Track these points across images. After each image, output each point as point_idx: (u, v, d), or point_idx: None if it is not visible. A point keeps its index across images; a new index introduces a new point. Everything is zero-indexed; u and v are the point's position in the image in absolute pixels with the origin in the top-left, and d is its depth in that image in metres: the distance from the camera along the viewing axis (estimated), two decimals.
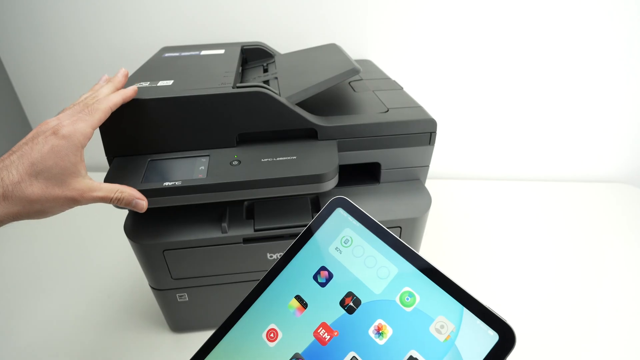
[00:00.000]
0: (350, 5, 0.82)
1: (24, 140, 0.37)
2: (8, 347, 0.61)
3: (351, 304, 0.31)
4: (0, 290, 0.71)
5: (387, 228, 0.33)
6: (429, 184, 0.59)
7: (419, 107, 0.56)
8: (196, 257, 0.52)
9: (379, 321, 0.30)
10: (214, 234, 0.50)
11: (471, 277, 0.73)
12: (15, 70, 0.94)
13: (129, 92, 0.45)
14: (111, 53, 0.89)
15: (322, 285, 0.33)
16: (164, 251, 0.50)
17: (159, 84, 0.51)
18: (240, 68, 0.64)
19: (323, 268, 0.33)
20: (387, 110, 0.55)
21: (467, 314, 0.28)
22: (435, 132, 0.53)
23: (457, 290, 0.29)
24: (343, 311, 0.31)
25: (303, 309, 0.32)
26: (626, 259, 0.77)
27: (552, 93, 0.91)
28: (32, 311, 0.67)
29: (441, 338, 0.28)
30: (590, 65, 0.87)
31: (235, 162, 0.48)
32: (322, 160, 0.49)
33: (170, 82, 0.52)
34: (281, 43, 0.84)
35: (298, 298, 0.33)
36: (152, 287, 0.56)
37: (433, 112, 0.54)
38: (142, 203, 0.42)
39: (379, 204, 0.54)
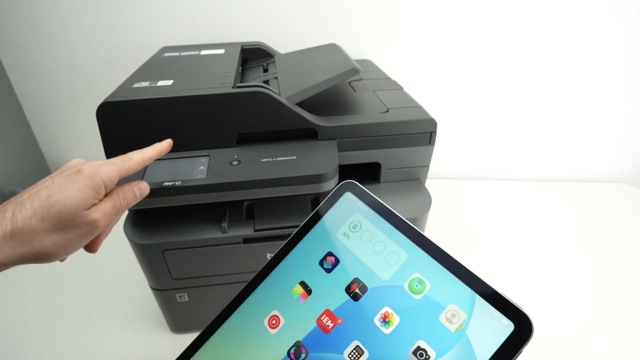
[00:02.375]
0: (350, 5, 0.82)
1: (48, 176, 0.35)
2: (8, 347, 0.61)
3: (357, 290, 0.30)
4: (0, 290, 0.71)
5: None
6: (429, 184, 0.59)
7: (419, 107, 0.56)
8: (196, 257, 0.52)
9: (385, 309, 0.29)
10: (214, 234, 0.50)
11: None
12: (15, 70, 0.94)
13: (165, 145, 0.42)
14: (111, 53, 0.89)
15: (328, 271, 0.31)
16: (163, 251, 0.50)
17: (158, 84, 0.51)
18: (240, 68, 0.64)
19: (330, 254, 0.32)
20: (387, 110, 0.55)
21: (480, 302, 0.27)
22: (435, 132, 0.53)
23: (470, 276, 0.28)
24: (348, 297, 0.30)
25: (307, 295, 0.31)
26: (626, 259, 0.77)
27: (552, 93, 0.91)
28: (32, 311, 0.67)
29: (452, 328, 0.26)
30: (590, 66, 0.87)
31: (235, 162, 0.48)
32: (322, 160, 0.49)
33: (170, 82, 0.52)
34: (281, 43, 0.84)
35: (302, 284, 0.31)
36: (152, 287, 0.56)
37: (433, 112, 0.54)
38: (142, 185, 0.40)
39: None
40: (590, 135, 0.97)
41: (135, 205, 0.47)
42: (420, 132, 0.53)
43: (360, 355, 0.28)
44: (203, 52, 0.68)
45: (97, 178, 0.34)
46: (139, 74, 0.56)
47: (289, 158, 0.49)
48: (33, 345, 0.61)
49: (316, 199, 0.55)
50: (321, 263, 0.32)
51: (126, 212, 0.53)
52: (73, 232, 0.33)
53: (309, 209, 0.53)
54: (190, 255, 0.51)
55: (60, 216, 0.32)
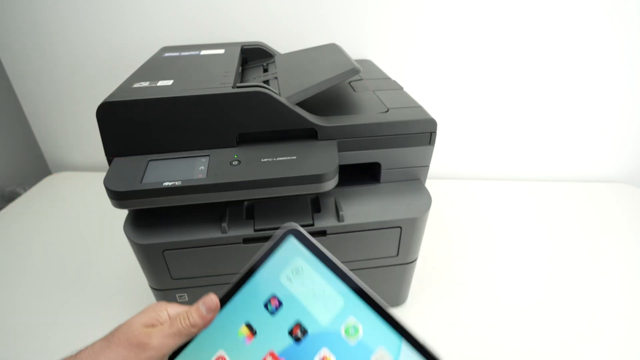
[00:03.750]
0: (350, 5, 0.82)
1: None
2: (7, 347, 0.61)
3: (299, 333, 0.32)
4: (0, 290, 0.71)
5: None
6: (429, 184, 0.59)
7: (419, 107, 0.56)
8: (196, 257, 0.52)
9: (324, 351, 0.31)
10: (214, 234, 0.50)
11: (471, 277, 0.73)
12: (15, 70, 0.94)
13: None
14: (111, 53, 0.89)
15: (272, 313, 0.33)
16: (164, 251, 0.50)
17: (158, 84, 0.51)
18: (240, 68, 0.64)
19: (274, 296, 0.33)
20: (387, 110, 0.55)
21: (406, 348, 0.29)
22: (435, 132, 0.53)
23: (397, 323, 0.30)
24: (291, 340, 0.31)
25: (252, 336, 0.32)
26: (626, 259, 0.77)
27: (552, 93, 0.91)
28: (32, 311, 0.67)
29: None
30: (590, 65, 0.87)
31: (235, 162, 0.48)
32: (322, 160, 0.49)
33: (170, 82, 0.52)
34: (281, 43, 0.84)
35: (248, 325, 0.33)
36: (152, 287, 0.56)
37: (433, 112, 0.54)
38: (207, 300, 0.34)
39: (379, 204, 0.54)
40: (590, 135, 0.97)
41: (135, 205, 0.47)
42: (420, 132, 0.53)
43: None
44: (203, 52, 0.68)
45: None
46: (139, 74, 0.57)
47: (289, 158, 0.49)
48: (32, 345, 0.61)
49: (316, 199, 0.55)
50: (266, 305, 0.33)
51: (126, 212, 0.53)
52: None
53: (309, 209, 0.53)
54: (190, 255, 0.51)
55: None
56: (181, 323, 0.33)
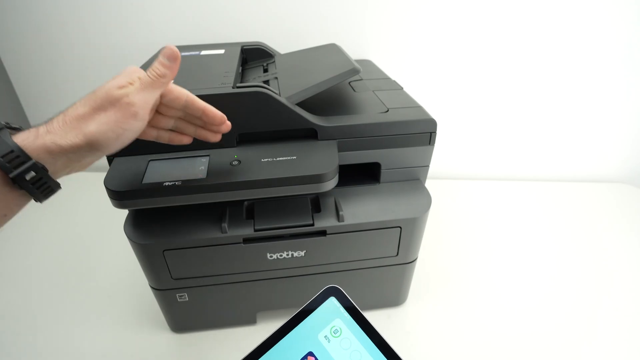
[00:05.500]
0: (350, 5, 0.82)
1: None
2: (8, 347, 0.61)
3: None
4: (0, 290, 0.71)
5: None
6: (429, 184, 0.59)
7: (419, 107, 0.56)
8: (196, 257, 0.52)
9: None
10: (214, 234, 0.50)
11: (471, 277, 0.73)
12: (15, 70, 0.94)
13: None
14: (111, 53, 0.89)
15: None
16: (164, 251, 0.50)
17: None
18: (240, 68, 0.64)
19: (310, 354, 0.34)
20: (387, 110, 0.55)
21: None
22: (435, 132, 0.53)
23: None
24: None
25: None
26: (626, 259, 0.77)
27: (552, 93, 0.91)
28: (32, 311, 0.67)
29: None
30: (591, 65, 0.87)
31: (235, 162, 0.48)
32: (322, 160, 0.49)
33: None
34: (281, 43, 0.84)
35: None
36: (152, 287, 0.56)
37: (433, 112, 0.54)
38: (165, 50, 0.39)
39: (379, 204, 0.54)
40: (590, 135, 0.97)
41: (135, 205, 0.47)
42: (420, 132, 0.53)
43: None
44: (203, 52, 0.68)
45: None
46: None
47: (289, 158, 0.49)
48: (32, 345, 0.61)
49: (316, 199, 0.55)
50: None
51: (126, 212, 0.53)
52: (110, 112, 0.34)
53: (309, 209, 0.53)
54: (190, 255, 0.51)
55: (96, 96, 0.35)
56: (150, 77, 0.37)
